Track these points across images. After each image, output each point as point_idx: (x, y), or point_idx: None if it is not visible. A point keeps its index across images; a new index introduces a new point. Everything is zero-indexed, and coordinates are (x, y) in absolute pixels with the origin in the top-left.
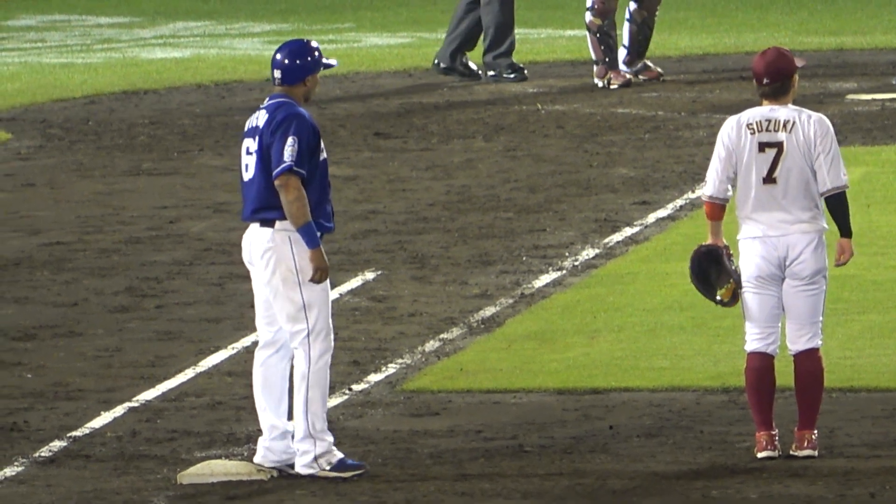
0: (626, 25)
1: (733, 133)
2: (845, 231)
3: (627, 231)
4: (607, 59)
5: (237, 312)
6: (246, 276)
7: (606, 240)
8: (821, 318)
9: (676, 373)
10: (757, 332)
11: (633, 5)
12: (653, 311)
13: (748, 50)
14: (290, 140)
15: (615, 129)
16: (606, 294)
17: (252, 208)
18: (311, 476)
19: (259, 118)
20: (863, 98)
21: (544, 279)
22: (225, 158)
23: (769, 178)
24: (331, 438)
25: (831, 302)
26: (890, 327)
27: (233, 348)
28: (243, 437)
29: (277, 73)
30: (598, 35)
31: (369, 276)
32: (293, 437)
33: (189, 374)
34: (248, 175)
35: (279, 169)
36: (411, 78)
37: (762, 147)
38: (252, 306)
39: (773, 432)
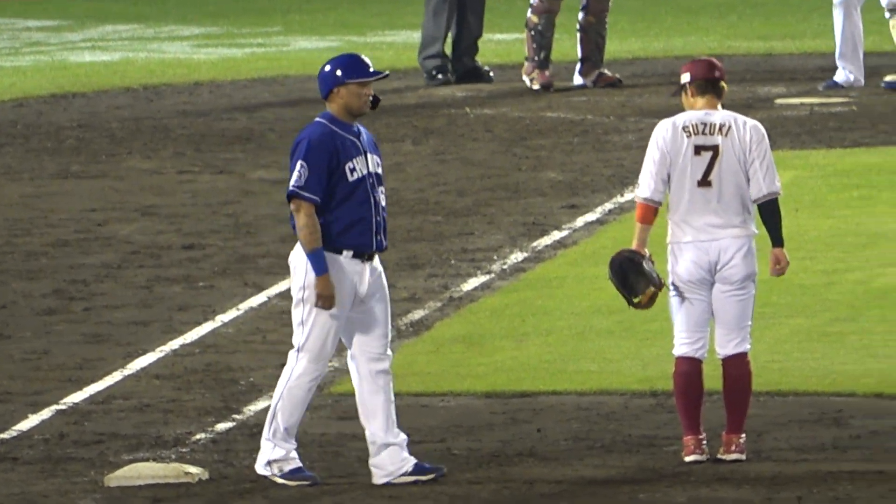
0: (578, 35)
1: (668, 135)
2: (777, 240)
3: (556, 235)
4: (536, 58)
5: (165, 315)
6: (174, 279)
7: (535, 243)
8: (749, 323)
9: (604, 376)
10: (685, 337)
11: (580, 14)
12: (581, 314)
13: (677, 54)
14: (298, 165)
15: (544, 133)
16: (535, 298)
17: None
18: (264, 477)
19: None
20: (791, 102)
21: (473, 283)
22: (153, 161)
23: (704, 181)
24: (290, 446)
25: (760, 306)
26: (818, 331)
27: (161, 351)
28: (171, 439)
29: (318, 85)
30: (532, 33)
31: None
32: (376, 444)
33: (117, 376)
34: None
35: (287, 194)
36: None
37: (698, 150)
38: (180, 309)
39: (701, 436)
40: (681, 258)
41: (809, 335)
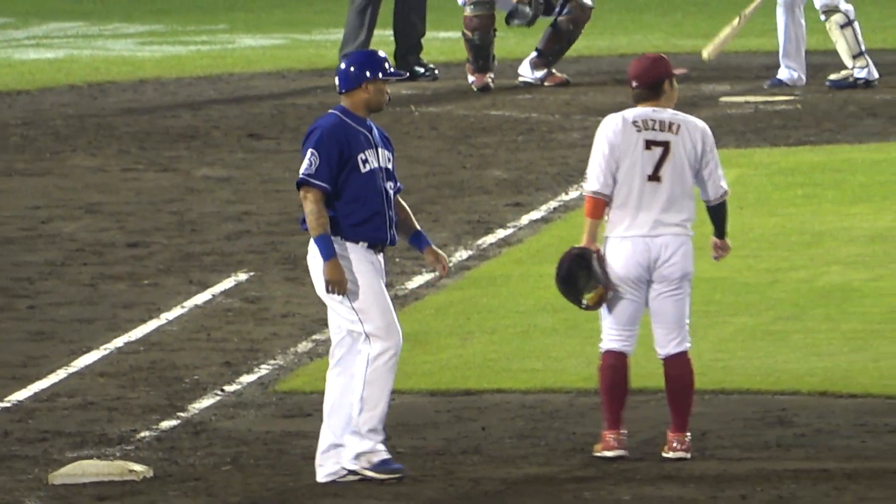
0: (547, 31)
1: (618, 128)
2: (722, 234)
3: (501, 233)
4: (473, 64)
5: (109, 313)
6: (119, 277)
7: (480, 241)
8: (687, 322)
9: (549, 374)
10: (615, 333)
11: (558, 13)
12: (526, 312)
13: (622, 52)
14: (309, 153)
15: (489, 131)
16: (480, 296)
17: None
18: (352, 472)
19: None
20: (736, 101)
21: (417, 280)
22: (98, 159)
23: (654, 176)
24: (379, 437)
25: (703, 304)
26: (761, 329)
27: (105, 349)
28: (115, 437)
29: (336, 80)
30: (468, 42)
31: (242, 277)
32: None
33: (61, 374)
34: None
35: (296, 182)
36: (285, 79)
37: (648, 145)
38: (125, 307)
39: (622, 432)
40: (620, 254)
41: (754, 334)
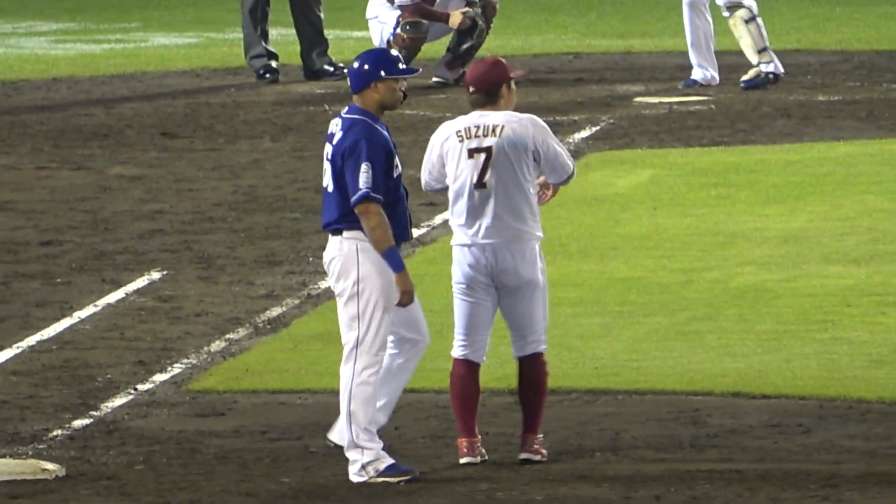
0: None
1: (444, 139)
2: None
3: (414, 232)
4: None
5: (22, 311)
6: (32, 275)
7: None
8: (543, 324)
9: None
10: (462, 339)
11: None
12: (439, 312)
13: (536, 52)
14: (363, 167)
15: (402, 131)
16: None
17: (326, 221)
18: (363, 483)
19: (335, 126)
20: (650, 101)
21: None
22: (11, 157)
23: (479, 184)
24: (378, 445)
25: (617, 304)
26: (675, 329)
27: (18, 347)
28: (28, 436)
29: (349, 80)
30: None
31: (155, 275)
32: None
33: None
34: (325, 182)
35: (356, 197)
36: (199, 78)
37: (471, 153)
38: (37, 305)
39: (475, 439)
40: (460, 260)
41: (667, 334)
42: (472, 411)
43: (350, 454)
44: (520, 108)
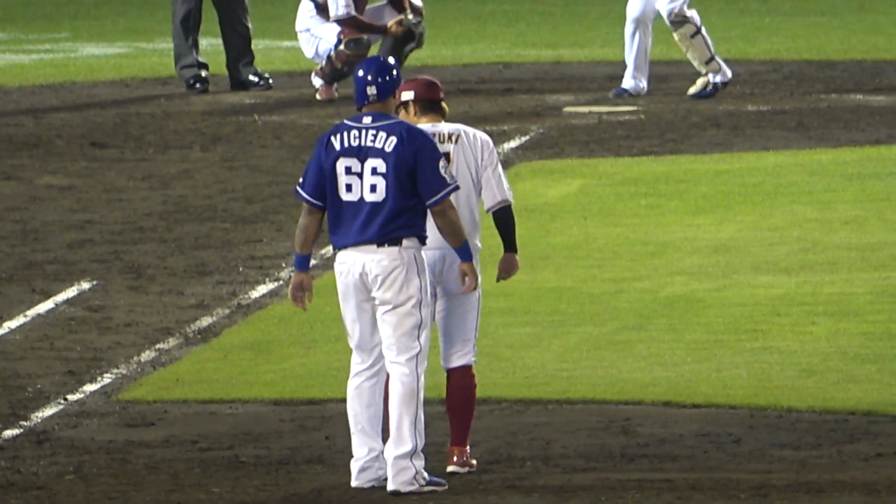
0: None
1: None
2: (511, 246)
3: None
4: (325, 79)
5: None
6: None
7: (323, 251)
8: (473, 336)
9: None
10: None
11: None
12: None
13: (466, 62)
14: (441, 163)
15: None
16: (323, 305)
17: (383, 231)
18: (410, 492)
19: (370, 138)
20: (580, 111)
21: (261, 290)
22: None
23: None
24: (423, 459)
25: (548, 314)
26: (606, 339)
27: None
28: None
29: (372, 90)
30: (331, 67)
31: (85, 285)
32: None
33: None
34: (364, 197)
35: (446, 192)
36: (128, 88)
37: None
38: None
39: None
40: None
41: (598, 343)
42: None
43: (402, 462)
44: (451, 118)
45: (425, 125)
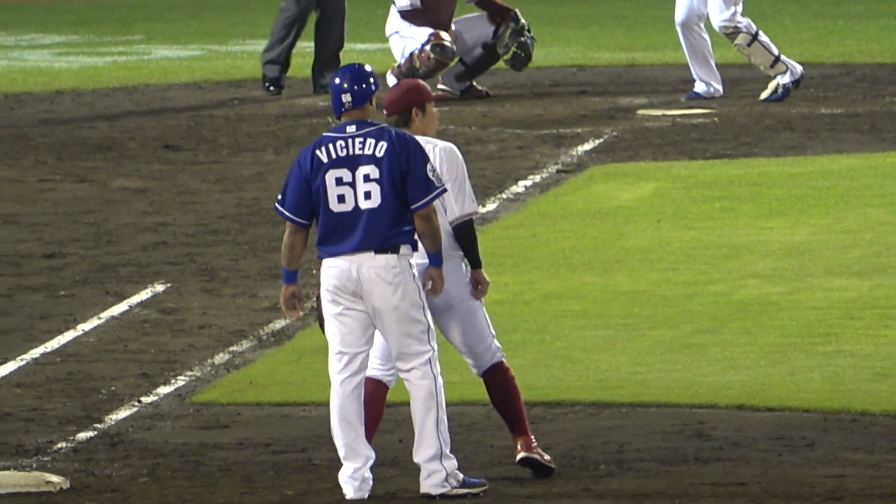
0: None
1: None
2: (475, 262)
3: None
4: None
5: (26, 324)
6: (35, 288)
7: None
8: (490, 335)
9: (466, 387)
10: (378, 362)
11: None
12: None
13: (539, 65)
14: (430, 166)
15: None
16: None
17: (382, 237)
18: (441, 495)
19: (358, 146)
20: (653, 114)
21: None
22: (14, 170)
23: None
24: (455, 460)
25: (622, 317)
26: (680, 342)
27: (21, 360)
28: (32, 448)
29: (347, 98)
30: (410, 68)
31: (159, 288)
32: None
33: None
34: (359, 205)
35: (433, 195)
36: (202, 90)
37: None
38: (41, 318)
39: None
40: None
41: (672, 347)
42: (371, 429)
43: (431, 465)
44: (524, 122)
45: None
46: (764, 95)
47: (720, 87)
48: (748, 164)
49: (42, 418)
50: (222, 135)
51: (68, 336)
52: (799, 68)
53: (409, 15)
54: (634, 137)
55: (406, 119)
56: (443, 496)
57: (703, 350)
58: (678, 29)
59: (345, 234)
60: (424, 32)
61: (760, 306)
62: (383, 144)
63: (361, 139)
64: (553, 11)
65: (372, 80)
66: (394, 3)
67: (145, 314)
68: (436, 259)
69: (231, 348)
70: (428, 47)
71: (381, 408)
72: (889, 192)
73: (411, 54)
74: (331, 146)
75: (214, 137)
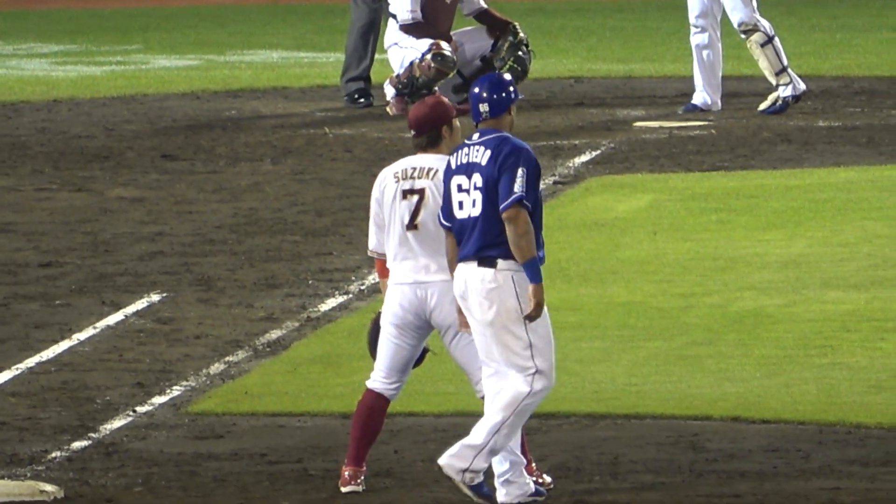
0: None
1: (381, 184)
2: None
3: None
4: (399, 91)
5: (22, 333)
6: (31, 297)
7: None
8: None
9: (462, 397)
10: (381, 375)
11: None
12: (438, 335)
13: (537, 76)
14: (520, 171)
15: (403, 154)
16: None
17: (477, 246)
18: (448, 476)
19: (476, 154)
20: (651, 125)
21: (330, 303)
22: (11, 178)
23: (411, 225)
24: (487, 465)
25: (617, 329)
26: (675, 354)
27: (17, 369)
28: (26, 457)
29: (485, 107)
30: (409, 77)
31: (155, 297)
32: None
33: None
34: (469, 212)
35: (510, 200)
36: (199, 100)
37: (405, 194)
38: (37, 327)
39: (362, 468)
40: (392, 300)
41: (667, 358)
42: (368, 443)
43: (464, 451)
44: (521, 133)
45: (415, 156)
46: (763, 107)
47: (719, 102)
48: (745, 177)
49: (36, 427)
50: (219, 144)
51: (64, 345)
52: (802, 85)
53: (409, 28)
54: (631, 149)
55: (436, 137)
56: (449, 479)
57: (698, 362)
58: (691, 29)
59: (462, 241)
60: (425, 43)
61: (756, 318)
62: (488, 153)
63: (478, 147)
64: (550, 23)
65: (511, 89)
66: (394, 16)
67: (141, 324)
68: (530, 269)
69: (226, 358)
70: (429, 56)
71: (381, 422)
72: (886, 205)
73: (411, 63)
74: (459, 153)
75: (212, 147)
